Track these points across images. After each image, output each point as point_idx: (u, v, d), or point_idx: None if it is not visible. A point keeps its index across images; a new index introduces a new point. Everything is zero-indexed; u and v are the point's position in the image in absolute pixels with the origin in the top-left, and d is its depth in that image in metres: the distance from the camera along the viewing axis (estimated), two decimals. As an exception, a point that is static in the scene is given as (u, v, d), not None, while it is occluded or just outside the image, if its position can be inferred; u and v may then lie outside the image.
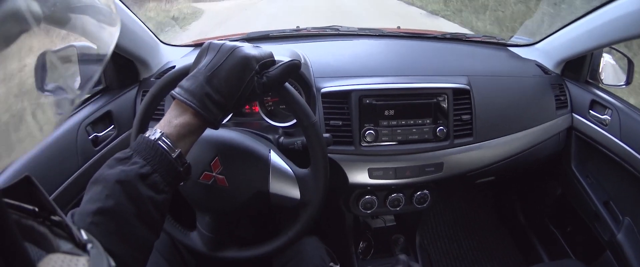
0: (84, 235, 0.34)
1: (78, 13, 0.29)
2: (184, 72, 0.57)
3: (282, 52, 0.82)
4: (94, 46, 0.30)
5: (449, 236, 1.36)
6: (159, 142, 0.48)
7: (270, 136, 0.73)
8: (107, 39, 0.31)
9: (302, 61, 0.85)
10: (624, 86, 1.06)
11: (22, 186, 0.31)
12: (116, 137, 0.83)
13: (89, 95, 0.82)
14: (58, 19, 0.26)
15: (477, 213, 1.45)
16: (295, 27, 1.09)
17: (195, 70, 0.53)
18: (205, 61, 0.53)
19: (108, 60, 0.30)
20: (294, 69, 0.56)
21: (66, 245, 0.30)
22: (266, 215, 0.85)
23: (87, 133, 0.75)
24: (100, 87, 0.85)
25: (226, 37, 1.01)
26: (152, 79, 0.90)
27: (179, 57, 0.96)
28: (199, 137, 0.53)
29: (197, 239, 0.68)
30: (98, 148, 0.77)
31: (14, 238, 0.22)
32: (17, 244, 0.23)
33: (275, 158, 0.64)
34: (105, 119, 0.81)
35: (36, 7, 0.23)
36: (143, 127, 0.64)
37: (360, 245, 0.95)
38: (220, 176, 0.62)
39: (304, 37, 1.05)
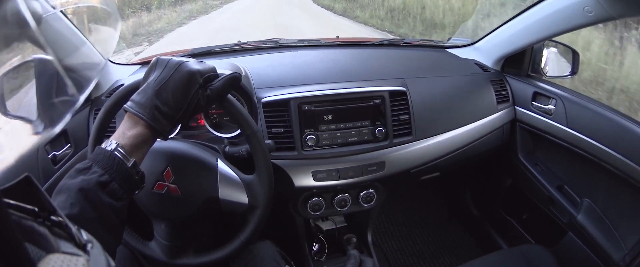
0: (84, 235, 0.34)
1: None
2: (134, 87, 0.62)
3: (223, 66, 0.87)
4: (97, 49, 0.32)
5: (402, 234, 1.39)
6: (115, 152, 0.52)
7: (216, 146, 0.77)
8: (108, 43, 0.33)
9: (243, 74, 0.89)
10: (570, 76, 1.10)
11: (22, 186, 0.32)
12: (73, 155, 0.87)
13: None
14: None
15: (429, 210, 1.49)
16: (236, 42, 1.13)
17: (144, 85, 0.57)
18: (154, 76, 0.58)
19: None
20: (235, 82, 0.62)
21: (66, 245, 0.30)
22: (220, 221, 0.88)
23: (46, 152, 0.80)
24: None
25: (171, 54, 1.06)
26: (102, 97, 0.95)
27: (127, 76, 1.01)
28: (150, 147, 0.58)
29: (155, 248, 0.71)
30: (57, 166, 0.81)
31: (14, 238, 0.22)
32: (17, 244, 0.23)
33: (222, 166, 0.69)
34: (61, 138, 0.85)
35: (37, 8, 0.24)
36: (98, 141, 0.68)
37: (314, 247, 0.98)
38: (172, 185, 0.67)
39: (245, 51, 1.09)
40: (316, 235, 0.99)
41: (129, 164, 0.53)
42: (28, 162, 0.75)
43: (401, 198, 1.48)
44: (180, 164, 0.67)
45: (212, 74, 0.60)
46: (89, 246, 0.32)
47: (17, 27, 0.23)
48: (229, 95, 0.64)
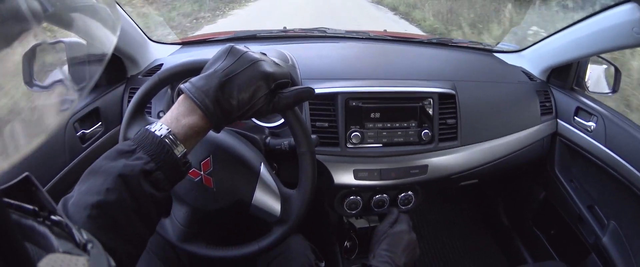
0: (84, 235, 0.33)
1: (79, 12, 0.29)
2: (197, 68, 0.56)
3: (270, 53, 0.84)
4: (96, 43, 0.31)
5: (430, 235, 1.37)
6: (166, 139, 0.47)
7: (257, 136, 0.74)
8: (109, 36, 0.31)
9: (290, 62, 0.86)
10: (610, 94, 1.08)
11: (22, 186, 0.31)
12: (104, 133, 0.83)
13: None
14: (59, 18, 0.27)
15: (461, 215, 1.47)
16: (282, 28, 1.10)
17: (211, 71, 0.51)
18: (222, 64, 0.51)
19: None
20: (308, 96, 0.57)
21: (66, 245, 0.30)
22: (242, 220, 0.86)
23: (75, 130, 0.76)
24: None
25: (213, 35, 1.03)
26: (139, 77, 0.91)
27: (167, 55, 0.97)
28: (201, 139, 0.53)
29: (168, 227, 0.68)
30: (85, 145, 0.78)
31: (14, 238, 0.22)
32: (17, 244, 0.22)
33: (264, 172, 0.65)
34: (92, 116, 0.82)
35: (37, 6, 0.23)
36: (135, 118, 0.64)
37: (345, 244, 0.96)
38: (208, 176, 0.63)
39: (291, 38, 1.06)
40: (348, 233, 0.97)
41: (179, 155, 0.48)
42: (54, 138, 0.71)
43: (434, 201, 1.46)
44: (222, 158, 0.63)
45: (284, 81, 0.54)
46: (89, 245, 0.31)
47: (17, 24, 0.21)
48: (296, 107, 0.60)
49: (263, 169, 0.66)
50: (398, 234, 0.79)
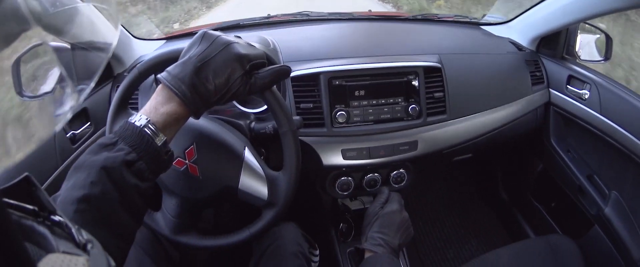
0: (84, 235, 0.33)
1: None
2: (173, 57, 0.57)
3: (252, 39, 0.84)
4: (98, 37, 0.31)
5: (430, 216, 1.35)
6: (145, 129, 0.47)
7: (241, 122, 0.73)
8: (111, 29, 0.31)
9: (271, 46, 0.85)
10: (603, 61, 1.06)
11: (22, 186, 0.31)
12: (93, 133, 0.83)
13: None
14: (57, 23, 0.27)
15: (459, 192, 1.46)
16: (266, 15, 1.09)
17: (185, 58, 0.52)
18: (197, 50, 0.52)
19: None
20: (284, 75, 0.57)
21: (66, 245, 0.30)
22: (233, 208, 0.85)
23: (64, 131, 0.76)
24: None
25: (197, 28, 1.02)
26: (125, 74, 0.91)
27: (152, 51, 0.97)
28: (182, 127, 0.53)
29: (160, 221, 0.68)
30: (76, 146, 0.78)
31: (14, 238, 0.22)
32: (17, 244, 0.22)
33: (248, 156, 0.65)
34: (81, 116, 0.82)
35: (36, 6, 0.23)
36: (119, 113, 0.64)
37: (340, 226, 0.95)
38: (193, 165, 0.63)
39: (274, 24, 1.05)
40: (343, 215, 0.95)
41: (160, 143, 0.48)
42: (45, 141, 0.71)
43: (430, 179, 1.44)
44: (205, 145, 0.63)
45: (260, 62, 0.54)
46: (89, 245, 0.31)
47: (16, 25, 0.21)
48: (274, 88, 0.60)
49: (247, 153, 0.65)
50: (390, 215, 0.77)
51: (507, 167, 1.30)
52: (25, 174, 0.31)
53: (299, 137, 0.81)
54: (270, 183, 0.64)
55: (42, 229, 0.29)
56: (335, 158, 0.85)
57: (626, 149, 0.83)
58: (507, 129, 0.97)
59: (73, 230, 0.31)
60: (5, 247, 0.21)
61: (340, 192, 0.90)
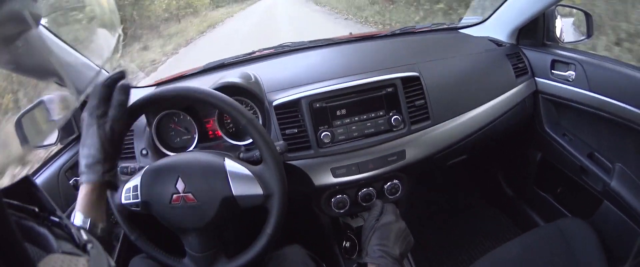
0: (84, 235, 0.34)
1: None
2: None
3: (234, 75, 0.89)
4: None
5: (437, 224, 1.34)
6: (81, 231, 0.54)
7: (231, 155, 0.77)
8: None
9: (252, 80, 0.89)
10: (586, 39, 1.05)
11: (22, 187, 0.32)
12: None
13: (63, 146, 0.90)
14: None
15: (462, 195, 1.44)
16: (249, 52, 1.14)
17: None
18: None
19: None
20: (122, 87, 0.61)
21: (66, 245, 0.30)
22: (245, 222, 0.88)
23: (67, 178, 0.83)
24: (74, 136, 0.92)
25: (185, 72, 1.08)
26: None
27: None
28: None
29: (190, 264, 0.71)
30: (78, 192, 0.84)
31: (14, 238, 0.22)
32: (17, 244, 0.23)
33: (229, 163, 0.68)
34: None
35: (36, 9, 0.24)
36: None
37: (344, 245, 0.96)
38: (187, 194, 0.67)
39: (257, 59, 1.09)
40: (346, 233, 0.96)
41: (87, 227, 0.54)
42: (49, 189, 0.80)
43: (431, 187, 1.43)
44: (189, 172, 0.67)
45: (101, 111, 0.59)
46: (89, 246, 0.32)
47: (16, 27, 0.23)
48: (209, 90, 0.65)
49: (227, 162, 0.68)
50: (386, 226, 0.77)
51: (507, 164, 1.29)
52: (25, 174, 0.32)
53: (288, 161, 0.84)
54: (259, 177, 0.67)
55: (42, 229, 0.30)
56: (325, 178, 0.87)
57: (622, 120, 0.82)
58: (498, 123, 0.97)
59: (73, 230, 0.32)
60: (6, 248, 0.22)
61: (337, 211, 0.92)
